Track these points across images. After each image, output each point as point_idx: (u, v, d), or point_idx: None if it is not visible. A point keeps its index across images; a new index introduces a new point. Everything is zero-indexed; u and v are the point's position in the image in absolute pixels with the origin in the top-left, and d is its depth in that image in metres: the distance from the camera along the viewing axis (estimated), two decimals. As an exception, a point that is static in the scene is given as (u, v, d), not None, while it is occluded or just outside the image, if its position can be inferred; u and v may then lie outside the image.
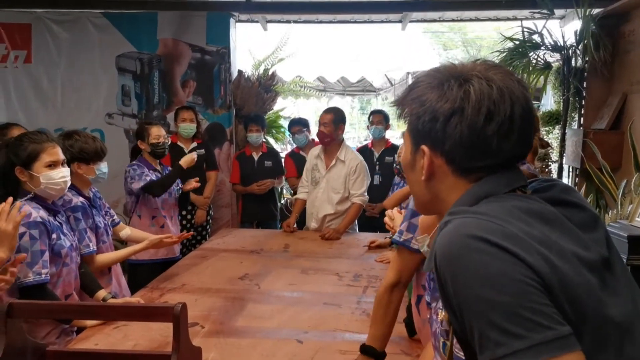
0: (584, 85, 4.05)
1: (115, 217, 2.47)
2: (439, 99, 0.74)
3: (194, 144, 3.80)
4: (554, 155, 4.31)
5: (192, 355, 1.31)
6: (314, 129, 4.70)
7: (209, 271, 2.55)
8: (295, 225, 3.44)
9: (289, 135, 4.33)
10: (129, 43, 4.37)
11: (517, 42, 3.99)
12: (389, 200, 3.11)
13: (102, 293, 1.99)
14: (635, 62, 3.61)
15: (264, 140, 4.22)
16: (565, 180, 4.16)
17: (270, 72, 4.65)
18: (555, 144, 4.39)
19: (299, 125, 4.08)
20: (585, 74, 4.01)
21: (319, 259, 2.76)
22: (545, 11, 3.91)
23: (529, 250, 0.63)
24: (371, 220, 3.77)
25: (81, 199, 2.15)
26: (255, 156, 4.05)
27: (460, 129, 0.72)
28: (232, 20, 4.43)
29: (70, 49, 4.37)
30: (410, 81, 6.11)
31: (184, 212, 3.67)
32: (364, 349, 1.46)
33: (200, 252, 2.94)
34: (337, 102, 7.58)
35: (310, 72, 5.82)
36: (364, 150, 4.00)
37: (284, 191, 4.92)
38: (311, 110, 12.14)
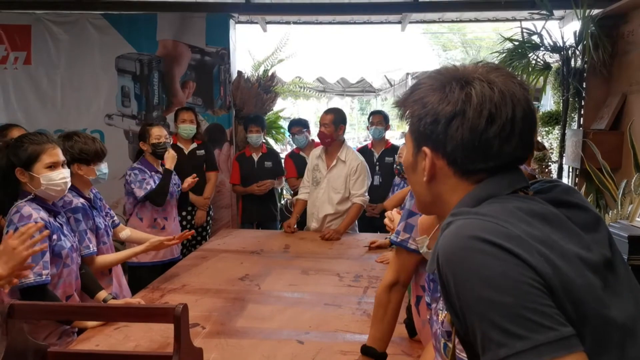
0: (584, 86, 4.05)
1: (116, 218, 2.47)
2: (441, 101, 0.74)
3: (194, 145, 3.81)
4: (554, 156, 4.32)
5: (193, 356, 1.31)
6: (313, 130, 4.71)
7: (210, 272, 2.55)
8: (295, 226, 3.44)
9: (289, 135, 4.33)
10: (129, 44, 4.37)
11: (516, 43, 4.00)
12: (389, 201, 3.12)
13: (102, 294, 1.99)
14: (635, 63, 3.61)
15: (264, 141, 4.22)
16: (565, 180, 4.16)
17: (270, 73, 4.66)
18: (555, 144, 4.40)
19: (298, 125, 4.08)
20: (585, 74, 4.01)
21: (319, 259, 2.76)
22: (544, 12, 3.91)
23: (530, 251, 0.63)
24: (371, 221, 3.77)
25: (82, 200, 2.15)
26: (255, 157, 4.05)
27: (461, 132, 0.72)
28: (231, 22, 4.43)
29: (70, 50, 4.37)
30: (409, 82, 6.13)
31: (184, 213, 3.67)
32: (365, 349, 1.46)
33: (201, 252, 2.94)
34: (337, 102, 7.60)
35: (309, 73, 5.84)
36: (364, 151, 4.00)
37: (284, 192, 4.92)
38: (311, 110, 12.17)
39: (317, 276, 2.47)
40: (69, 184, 1.90)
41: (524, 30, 3.98)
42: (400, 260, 1.47)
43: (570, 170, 4.27)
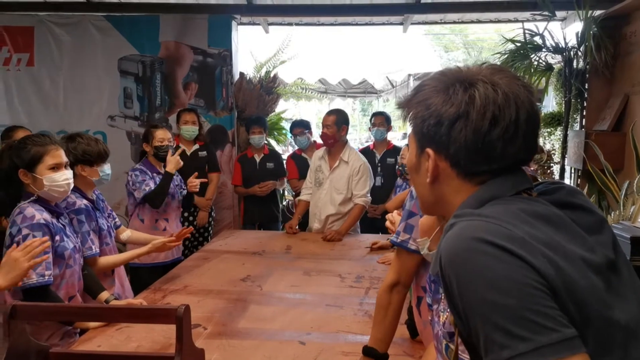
0: (586, 87, 4.04)
1: (117, 219, 2.48)
2: (444, 103, 0.74)
3: (196, 146, 3.82)
4: (556, 157, 4.31)
5: (195, 356, 1.31)
6: (315, 131, 4.71)
7: (211, 273, 2.55)
8: (297, 227, 3.44)
9: (291, 137, 4.33)
10: (131, 46, 4.38)
11: (518, 44, 4.00)
12: (391, 202, 3.12)
13: (104, 295, 2.00)
14: (637, 64, 3.61)
15: (266, 142, 4.22)
16: (567, 181, 4.16)
17: (271, 75, 4.66)
18: (557, 145, 4.39)
19: (300, 127, 4.09)
20: (587, 75, 4.01)
21: (321, 260, 2.76)
22: (546, 13, 3.91)
23: (534, 253, 0.63)
24: (373, 222, 3.77)
25: (85, 201, 2.16)
26: (257, 158, 4.06)
27: (465, 134, 0.72)
28: (233, 23, 4.44)
29: (72, 52, 4.38)
30: (411, 83, 6.12)
31: (185, 214, 3.67)
32: (366, 350, 1.46)
33: (202, 253, 2.95)
34: (339, 103, 7.60)
35: (311, 74, 5.83)
36: (366, 152, 4.00)
37: (286, 193, 4.92)
38: (313, 112, 12.19)
39: (319, 277, 2.47)
40: (72, 185, 1.90)
41: (526, 31, 3.97)
42: (401, 261, 1.47)
43: (573, 171, 4.26)
